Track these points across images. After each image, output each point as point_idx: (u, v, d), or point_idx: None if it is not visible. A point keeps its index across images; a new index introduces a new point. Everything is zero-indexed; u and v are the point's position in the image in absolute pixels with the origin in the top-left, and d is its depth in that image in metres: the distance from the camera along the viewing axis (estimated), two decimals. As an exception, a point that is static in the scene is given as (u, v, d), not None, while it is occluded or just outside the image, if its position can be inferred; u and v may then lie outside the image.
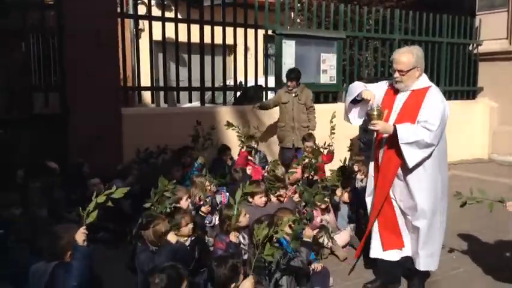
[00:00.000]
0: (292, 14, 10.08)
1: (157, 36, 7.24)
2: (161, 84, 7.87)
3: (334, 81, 9.06)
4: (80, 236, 2.87)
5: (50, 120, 6.20)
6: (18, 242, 4.07)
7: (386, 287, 4.07)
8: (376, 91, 3.88)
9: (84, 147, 6.02)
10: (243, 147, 6.26)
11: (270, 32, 8.67)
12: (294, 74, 7.13)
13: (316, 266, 4.00)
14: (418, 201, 3.72)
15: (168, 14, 7.86)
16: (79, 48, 6.14)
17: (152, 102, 7.63)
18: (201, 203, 4.67)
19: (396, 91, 3.82)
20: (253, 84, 8.62)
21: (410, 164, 3.60)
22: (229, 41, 8.04)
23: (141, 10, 8.31)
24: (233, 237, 3.79)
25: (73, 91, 6.23)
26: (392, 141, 3.68)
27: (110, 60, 6.44)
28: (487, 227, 5.59)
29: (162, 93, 7.93)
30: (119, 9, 6.83)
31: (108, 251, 4.53)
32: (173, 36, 7.40)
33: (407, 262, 3.94)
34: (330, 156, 6.53)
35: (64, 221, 4.45)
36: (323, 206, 5.01)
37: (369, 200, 4.05)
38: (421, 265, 3.82)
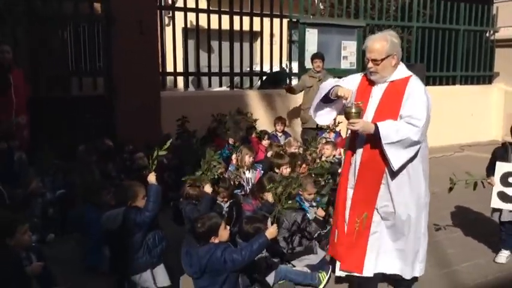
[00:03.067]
0: (316, 1, 10.62)
1: (189, 24, 7.92)
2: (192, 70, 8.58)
3: (354, 67, 9.61)
4: (152, 177, 3.57)
5: (99, 102, 6.95)
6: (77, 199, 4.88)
7: None
8: (349, 86, 3.47)
9: (128, 126, 6.74)
10: (252, 134, 6.96)
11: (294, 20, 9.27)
12: (320, 54, 7.77)
13: None
14: (401, 209, 3.36)
15: (200, 5, 8.47)
16: (124, 36, 6.83)
17: (186, 86, 8.32)
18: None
19: (371, 83, 3.40)
20: (277, 69, 9.26)
21: (396, 165, 3.21)
22: (256, 28, 8.68)
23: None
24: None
25: (118, 75, 6.95)
26: (374, 141, 3.25)
27: (151, 48, 7.13)
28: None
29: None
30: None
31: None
32: (203, 24, 8.07)
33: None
34: (344, 140, 7.10)
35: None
36: None
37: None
38: (408, 275, 3.51)
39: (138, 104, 6.82)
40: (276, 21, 8.96)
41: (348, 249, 3.45)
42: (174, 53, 7.96)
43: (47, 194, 4.88)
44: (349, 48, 9.48)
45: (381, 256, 3.47)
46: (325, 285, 3.95)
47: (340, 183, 3.63)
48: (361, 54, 9.69)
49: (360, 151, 3.40)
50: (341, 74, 9.46)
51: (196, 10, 8.05)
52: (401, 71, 3.36)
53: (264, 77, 9.65)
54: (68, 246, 4.35)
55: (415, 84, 3.31)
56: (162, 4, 8.71)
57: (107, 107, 6.94)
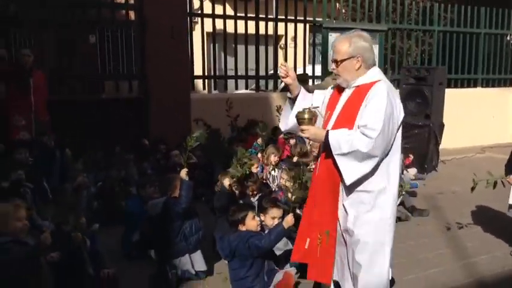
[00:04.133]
0: (338, 5, 10.89)
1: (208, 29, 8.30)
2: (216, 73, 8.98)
3: (376, 70, 9.85)
4: (184, 173, 3.93)
5: (134, 103, 7.36)
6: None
7: None
8: (320, 94, 3.26)
9: (160, 126, 7.13)
10: (280, 134, 7.27)
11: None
12: None
13: None
14: (358, 231, 2.97)
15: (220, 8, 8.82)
16: (157, 41, 7.23)
17: (215, 89, 8.70)
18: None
19: (342, 90, 3.10)
20: (301, 72, 9.57)
21: (347, 180, 2.88)
22: (280, 31, 9.01)
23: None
24: None
25: (151, 78, 7.35)
26: (329, 152, 2.93)
27: (181, 52, 7.53)
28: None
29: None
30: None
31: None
32: (225, 29, 8.43)
33: None
34: None
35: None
36: None
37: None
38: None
39: (169, 105, 7.20)
40: (300, 25, 9.29)
41: (313, 262, 3.17)
42: (203, 56, 8.34)
43: (91, 187, 5.28)
44: (371, 52, 9.72)
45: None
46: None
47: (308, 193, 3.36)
48: (383, 58, 9.96)
49: (318, 162, 3.14)
50: (363, 76, 9.74)
51: (224, 16, 8.41)
52: (370, 75, 3.00)
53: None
54: (111, 234, 4.71)
55: (378, 89, 2.90)
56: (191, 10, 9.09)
57: (141, 109, 7.33)
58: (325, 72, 9.14)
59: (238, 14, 8.64)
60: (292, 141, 7.19)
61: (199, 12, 8.34)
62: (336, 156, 2.87)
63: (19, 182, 4.67)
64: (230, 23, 8.50)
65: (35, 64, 6.29)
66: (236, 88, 8.99)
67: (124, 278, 3.85)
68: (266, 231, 3.80)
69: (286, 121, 3.29)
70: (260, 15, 8.74)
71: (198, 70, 8.43)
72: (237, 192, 4.60)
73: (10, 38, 7.00)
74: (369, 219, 2.97)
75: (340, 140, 2.85)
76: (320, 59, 9.73)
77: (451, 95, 9.30)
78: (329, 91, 3.22)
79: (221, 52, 8.80)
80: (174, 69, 7.24)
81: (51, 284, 3.38)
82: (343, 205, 3.02)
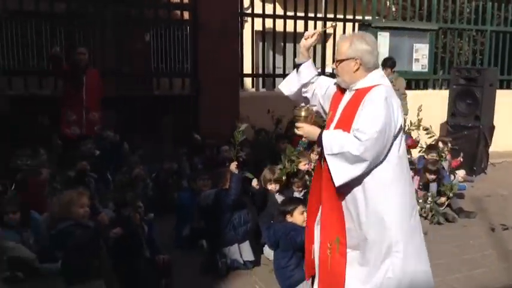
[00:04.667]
0: (387, 3, 10.84)
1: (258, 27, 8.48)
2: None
3: (426, 69, 9.79)
4: (234, 166, 4.16)
5: (186, 100, 7.68)
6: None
7: None
8: (326, 80, 3.23)
9: (210, 123, 7.40)
10: None
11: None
12: (390, 62, 8.04)
13: None
14: (360, 231, 2.92)
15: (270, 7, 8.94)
16: (209, 40, 7.50)
17: (263, 87, 8.91)
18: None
19: (344, 90, 3.05)
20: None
21: (336, 181, 2.82)
22: (329, 30, 9.14)
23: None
24: None
25: (203, 76, 7.63)
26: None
27: (233, 51, 7.77)
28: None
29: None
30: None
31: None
32: (274, 28, 8.60)
33: None
34: (414, 142, 7.38)
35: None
36: None
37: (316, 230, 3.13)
38: None
39: (219, 102, 7.46)
40: (349, 24, 9.34)
41: (324, 275, 3.02)
42: (252, 55, 8.54)
43: (147, 179, 5.61)
44: (421, 51, 9.67)
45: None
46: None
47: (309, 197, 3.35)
48: (433, 57, 9.86)
49: (323, 161, 3.00)
50: (413, 76, 9.71)
51: (274, 16, 8.60)
52: (370, 79, 2.94)
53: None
54: (164, 225, 4.99)
55: (375, 93, 2.85)
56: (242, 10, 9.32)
57: (193, 105, 7.64)
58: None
59: (288, 14, 8.77)
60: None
61: (250, 11, 8.53)
62: (326, 157, 2.84)
63: (84, 171, 5.04)
64: (279, 22, 8.68)
65: (89, 62, 6.57)
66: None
67: (176, 265, 4.08)
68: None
69: (290, 87, 3.27)
70: (309, 15, 8.85)
71: (247, 68, 8.64)
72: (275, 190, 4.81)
73: (67, 37, 7.38)
74: (365, 217, 2.90)
75: (332, 141, 2.83)
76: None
77: (503, 96, 9.11)
78: (333, 87, 3.14)
79: (270, 51, 8.99)
80: (225, 67, 7.48)
81: (110, 265, 3.69)
82: (346, 206, 2.95)
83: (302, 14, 8.86)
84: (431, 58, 9.75)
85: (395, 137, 2.87)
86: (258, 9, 8.59)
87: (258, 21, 8.51)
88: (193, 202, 4.86)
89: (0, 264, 3.71)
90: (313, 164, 5.46)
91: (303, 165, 5.41)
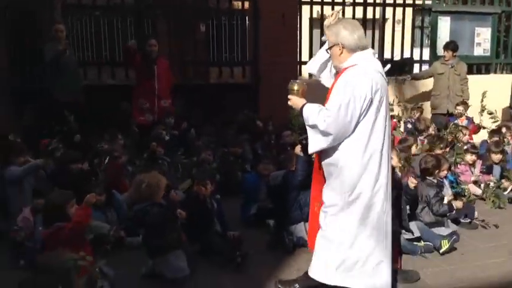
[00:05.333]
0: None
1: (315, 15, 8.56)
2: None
3: (488, 53, 9.56)
4: (298, 149, 4.24)
5: (247, 88, 7.95)
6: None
7: None
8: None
9: (269, 110, 7.61)
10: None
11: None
12: (452, 45, 7.97)
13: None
14: (324, 197, 3.36)
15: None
16: (269, 29, 7.71)
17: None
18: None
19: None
20: (404, 57, 9.54)
21: (309, 149, 3.25)
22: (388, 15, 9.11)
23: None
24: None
25: (263, 64, 7.86)
26: None
27: (292, 39, 7.94)
28: None
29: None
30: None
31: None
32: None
33: None
34: (476, 127, 7.31)
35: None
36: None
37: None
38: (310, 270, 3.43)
39: (278, 89, 7.63)
40: (408, 8, 9.26)
41: (313, 223, 3.59)
42: (310, 43, 8.68)
43: (214, 163, 5.93)
44: (482, 35, 9.47)
45: None
46: (445, 251, 4.30)
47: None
48: (496, 41, 9.61)
49: None
50: (474, 60, 9.52)
51: (332, 3, 8.65)
52: (350, 61, 3.23)
53: (389, 65, 9.95)
54: (230, 207, 5.13)
55: (346, 74, 3.18)
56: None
57: (253, 93, 7.89)
58: (433, 56, 9.07)
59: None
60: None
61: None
62: (306, 127, 3.22)
63: (155, 152, 5.40)
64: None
65: (159, 52, 6.95)
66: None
67: (245, 242, 4.30)
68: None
69: (317, 65, 3.64)
70: (368, 1, 8.87)
71: (304, 56, 8.79)
72: None
73: (139, 29, 7.81)
74: (332, 187, 3.28)
75: (309, 113, 3.16)
76: (428, 42, 9.64)
77: None
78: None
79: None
80: (284, 55, 7.67)
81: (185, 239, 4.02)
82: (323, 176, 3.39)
83: (361, 0, 8.87)
84: (493, 42, 9.52)
85: (366, 112, 3.11)
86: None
87: (316, 9, 8.61)
88: (258, 184, 5.13)
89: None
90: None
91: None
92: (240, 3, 8.25)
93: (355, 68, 3.18)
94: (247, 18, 8.25)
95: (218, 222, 4.44)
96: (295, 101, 3.30)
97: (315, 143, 3.20)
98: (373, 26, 8.98)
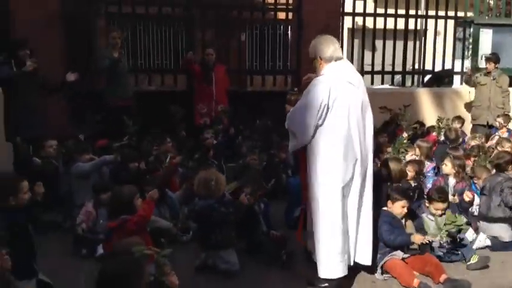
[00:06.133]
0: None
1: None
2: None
3: (531, 66, 9.50)
4: None
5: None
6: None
7: None
8: None
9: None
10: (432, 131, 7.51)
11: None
12: (494, 57, 8.06)
13: None
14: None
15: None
16: (311, 39, 7.88)
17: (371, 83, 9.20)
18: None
19: None
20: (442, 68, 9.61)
21: (289, 148, 3.98)
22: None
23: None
24: None
25: (305, 73, 8.05)
26: None
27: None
28: None
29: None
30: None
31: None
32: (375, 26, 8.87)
33: None
34: None
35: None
36: None
37: None
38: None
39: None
40: (450, 21, 9.34)
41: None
42: (351, 53, 8.89)
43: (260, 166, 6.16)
44: (525, 48, 9.42)
45: None
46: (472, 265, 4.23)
47: None
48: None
49: None
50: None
51: (374, 15, 8.88)
52: (323, 71, 3.66)
53: (428, 76, 10.03)
54: (276, 207, 5.33)
55: (312, 83, 3.66)
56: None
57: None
58: (476, 68, 9.10)
59: (388, 11, 8.96)
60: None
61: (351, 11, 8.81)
62: None
63: (209, 150, 5.71)
64: (378, 20, 8.91)
65: (216, 61, 7.43)
66: (371, 83, 9.34)
67: (289, 242, 4.49)
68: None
69: None
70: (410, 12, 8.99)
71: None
72: None
73: (195, 40, 8.21)
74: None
75: (290, 115, 3.73)
76: (469, 54, 9.67)
77: None
78: None
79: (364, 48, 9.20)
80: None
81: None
82: None
83: (403, 12, 9.00)
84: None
85: (324, 116, 3.48)
86: (348, 8, 8.78)
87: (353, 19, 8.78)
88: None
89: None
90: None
91: (410, 157, 5.69)
92: (284, 13, 8.49)
93: (320, 77, 3.59)
94: (289, 27, 8.51)
95: (264, 223, 4.66)
96: (288, 109, 4.03)
97: (290, 141, 3.81)
98: (414, 37, 9.10)
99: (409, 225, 4.24)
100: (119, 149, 5.08)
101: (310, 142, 3.58)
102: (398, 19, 8.94)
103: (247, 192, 4.37)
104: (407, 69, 9.46)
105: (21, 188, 3.34)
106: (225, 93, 7.36)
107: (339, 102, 3.47)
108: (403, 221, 4.22)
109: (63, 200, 5.03)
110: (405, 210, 4.14)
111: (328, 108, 3.46)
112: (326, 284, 3.68)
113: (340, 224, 3.60)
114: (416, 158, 5.73)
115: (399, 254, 4.02)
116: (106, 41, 7.09)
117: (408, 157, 5.61)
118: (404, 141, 6.14)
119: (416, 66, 9.94)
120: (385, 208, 4.23)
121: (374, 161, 4.07)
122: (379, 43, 8.97)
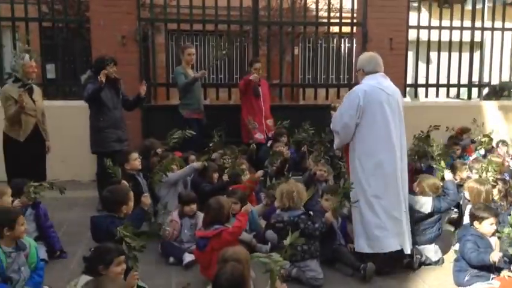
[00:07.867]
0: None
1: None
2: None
3: None
4: None
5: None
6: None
7: None
8: None
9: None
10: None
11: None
12: None
13: None
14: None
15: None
16: (377, 52, 7.93)
17: (426, 96, 9.18)
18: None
19: None
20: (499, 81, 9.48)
21: (334, 145, 4.61)
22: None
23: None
24: None
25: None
26: None
27: (399, 63, 8.19)
28: None
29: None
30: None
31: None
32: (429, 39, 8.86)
33: None
34: None
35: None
36: None
37: None
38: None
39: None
40: (507, 33, 9.22)
41: None
42: (416, 65, 8.86)
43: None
44: None
45: None
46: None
47: None
48: None
49: None
50: None
51: (440, 28, 8.90)
52: (362, 80, 4.33)
53: (487, 88, 9.89)
54: None
55: (351, 90, 4.50)
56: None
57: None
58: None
59: (443, 24, 8.92)
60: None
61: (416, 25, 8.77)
62: None
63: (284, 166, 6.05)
64: (436, 32, 8.91)
65: (262, 76, 7.51)
66: (426, 96, 9.26)
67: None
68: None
69: None
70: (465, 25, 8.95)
71: (409, 78, 9.04)
72: None
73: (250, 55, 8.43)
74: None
75: (334, 118, 4.43)
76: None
77: None
78: None
79: (419, 60, 9.12)
80: (391, 78, 7.84)
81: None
82: None
83: (458, 25, 8.95)
84: None
85: (360, 114, 4.09)
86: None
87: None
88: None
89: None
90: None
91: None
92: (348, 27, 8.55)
93: (358, 86, 4.27)
94: (354, 41, 8.58)
95: (342, 236, 4.74)
96: (334, 114, 4.49)
97: (335, 139, 4.41)
98: (470, 49, 9.02)
99: (497, 243, 4.12)
100: (206, 160, 5.30)
101: (352, 139, 4.20)
102: (462, 31, 8.90)
103: (327, 207, 4.49)
104: (461, 82, 9.32)
105: (130, 196, 3.58)
106: (269, 108, 7.37)
107: (372, 103, 4.08)
108: (492, 240, 4.12)
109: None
110: (494, 227, 4.07)
111: (363, 109, 4.07)
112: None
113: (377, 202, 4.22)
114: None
115: (496, 284, 3.89)
116: (163, 56, 7.46)
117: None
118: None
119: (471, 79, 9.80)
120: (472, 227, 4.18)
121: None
122: (435, 55, 8.98)
